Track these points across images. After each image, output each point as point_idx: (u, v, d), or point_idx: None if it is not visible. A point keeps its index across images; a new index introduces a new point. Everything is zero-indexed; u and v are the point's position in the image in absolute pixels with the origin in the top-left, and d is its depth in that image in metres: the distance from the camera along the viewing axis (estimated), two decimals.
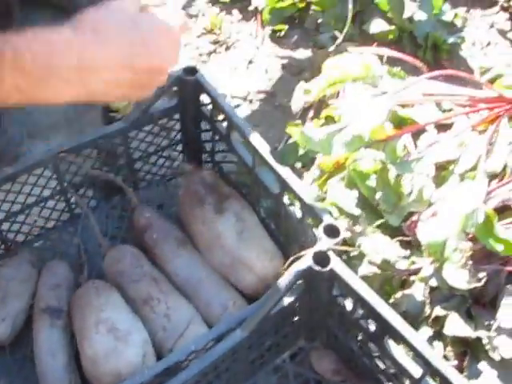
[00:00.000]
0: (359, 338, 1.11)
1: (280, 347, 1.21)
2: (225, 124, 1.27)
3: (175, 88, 1.29)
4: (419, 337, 0.97)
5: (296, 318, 1.15)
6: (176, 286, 1.22)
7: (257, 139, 1.18)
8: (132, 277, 1.21)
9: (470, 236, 1.14)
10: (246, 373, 1.19)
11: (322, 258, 0.99)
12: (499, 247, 1.10)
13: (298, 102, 1.46)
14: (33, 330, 1.20)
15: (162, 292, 1.20)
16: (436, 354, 0.95)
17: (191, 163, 1.39)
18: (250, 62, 1.69)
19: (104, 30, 0.90)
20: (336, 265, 0.99)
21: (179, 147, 1.43)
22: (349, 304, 1.06)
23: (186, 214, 1.31)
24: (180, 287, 1.22)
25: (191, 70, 1.27)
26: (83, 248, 1.33)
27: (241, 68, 1.68)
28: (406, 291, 1.12)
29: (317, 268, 0.98)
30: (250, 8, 1.79)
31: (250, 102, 1.61)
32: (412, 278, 1.13)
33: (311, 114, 1.46)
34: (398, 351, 1.02)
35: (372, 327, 1.04)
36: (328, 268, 0.99)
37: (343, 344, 1.16)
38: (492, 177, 1.24)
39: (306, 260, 0.99)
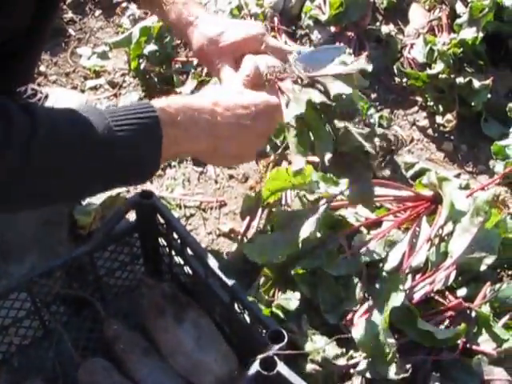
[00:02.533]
0: None
1: None
2: (179, 241, 1.41)
3: (133, 211, 1.45)
4: None
5: None
6: None
7: (207, 255, 1.33)
8: None
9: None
10: None
11: (269, 363, 1.13)
12: (422, 339, 1.26)
13: (245, 212, 1.63)
14: None
15: None
16: None
17: (152, 275, 1.53)
18: (201, 173, 1.85)
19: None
20: (281, 368, 1.14)
21: (141, 260, 1.57)
22: None
23: (149, 324, 1.44)
24: None
25: (147, 195, 1.42)
26: (58, 361, 1.45)
27: (193, 179, 1.84)
28: None
29: (264, 373, 1.12)
30: None
31: (203, 210, 1.76)
32: (351, 370, 1.28)
33: (257, 221, 1.63)
34: None
35: None
36: (275, 371, 1.13)
37: None
38: (416, 271, 1.40)
39: (254, 366, 1.13)
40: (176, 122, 1.21)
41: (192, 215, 1.76)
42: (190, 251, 1.40)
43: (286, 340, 1.18)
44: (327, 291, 1.38)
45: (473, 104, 1.89)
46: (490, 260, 1.40)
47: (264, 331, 1.24)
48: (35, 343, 1.50)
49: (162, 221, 1.45)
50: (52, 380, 1.42)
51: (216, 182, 1.83)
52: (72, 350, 1.42)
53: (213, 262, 1.33)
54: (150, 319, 1.44)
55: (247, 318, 1.32)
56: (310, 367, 1.25)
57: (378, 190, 1.56)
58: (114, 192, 1.73)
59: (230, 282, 1.30)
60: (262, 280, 1.44)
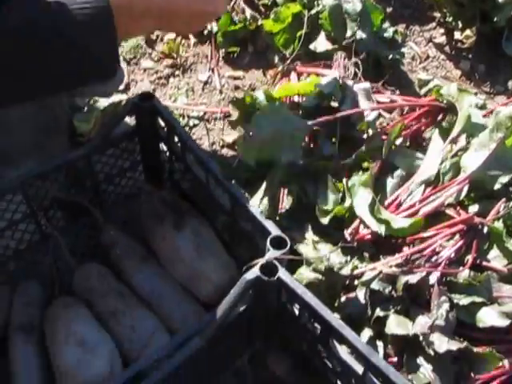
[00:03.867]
0: (308, 339, 1.21)
1: (238, 351, 1.30)
2: (179, 145, 1.36)
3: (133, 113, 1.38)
4: (358, 336, 1.07)
5: (250, 324, 1.24)
6: (141, 300, 1.31)
7: (208, 159, 1.27)
8: (99, 292, 1.30)
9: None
10: (208, 377, 1.28)
11: (269, 269, 1.08)
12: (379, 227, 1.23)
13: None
14: (8, 348, 1.29)
15: (128, 305, 1.28)
16: (373, 351, 1.05)
17: (152, 182, 1.48)
18: (206, 83, 1.79)
19: None
20: (282, 274, 1.09)
21: (140, 167, 1.51)
22: (296, 310, 1.16)
23: (148, 231, 1.40)
24: (145, 300, 1.31)
25: (147, 97, 1.35)
26: (55, 266, 1.42)
27: (197, 89, 1.77)
28: (350, 295, 1.22)
29: (264, 278, 1.08)
30: (205, 32, 1.88)
31: (207, 121, 1.70)
32: (355, 282, 1.23)
33: None
34: (342, 351, 1.12)
35: (318, 330, 1.14)
36: (275, 277, 1.08)
37: (296, 346, 1.26)
38: (427, 184, 1.34)
39: (254, 270, 1.08)
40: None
41: (195, 125, 1.70)
42: (191, 156, 1.34)
43: (288, 246, 1.13)
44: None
45: (495, 20, 1.80)
46: (505, 179, 1.34)
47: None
48: (31, 248, 1.46)
49: (162, 124, 1.39)
50: (48, 285, 1.38)
51: (221, 92, 1.77)
52: (68, 255, 1.38)
53: (214, 167, 1.27)
54: (148, 226, 1.40)
55: (249, 226, 1.27)
56: (312, 276, 1.21)
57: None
58: (115, 99, 1.67)
59: (232, 188, 1.24)
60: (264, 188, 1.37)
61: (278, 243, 1.12)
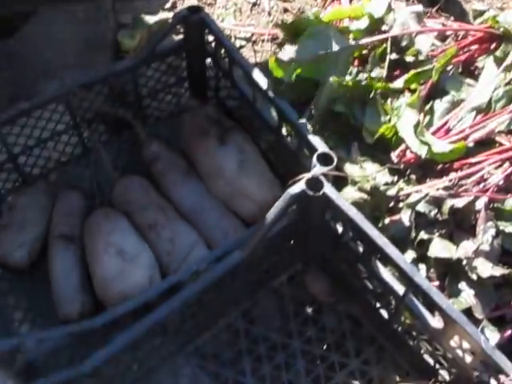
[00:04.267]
0: (349, 259, 1.20)
1: (277, 270, 1.30)
2: (226, 61, 1.33)
3: (180, 27, 1.36)
4: (403, 256, 1.05)
5: (291, 242, 1.23)
6: (181, 214, 1.31)
7: (257, 74, 1.25)
8: (139, 205, 1.30)
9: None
10: (246, 294, 1.28)
11: (315, 184, 1.06)
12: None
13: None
14: (48, 255, 1.30)
15: (168, 218, 1.28)
16: (417, 270, 1.04)
17: (197, 99, 1.46)
18: (254, 4, 1.75)
19: None
20: (328, 190, 1.07)
21: (186, 85, 1.49)
22: (339, 227, 1.15)
23: (191, 146, 1.38)
24: (185, 215, 1.31)
25: (196, 9, 1.32)
26: (95, 179, 1.41)
27: (245, 10, 1.74)
28: (394, 217, 1.20)
29: (310, 192, 1.06)
30: None
31: (254, 43, 1.66)
32: (400, 204, 1.21)
33: None
34: (383, 271, 1.11)
35: (360, 249, 1.13)
36: (321, 193, 1.06)
37: (335, 266, 1.25)
38: (478, 111, 1.31)
39: (299, 185, 1.06)
40: None
41: (242, 47, 1.67)
42: (238, 72, 1.32)
43: (334, 163, 1.10)
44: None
45: None
46: None
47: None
48: (73, 160, 1.46)
49: (210, 39, 1.36)
50: (88, 197, 1.38)
51: (269, 14, 1.73)
52: (111, 167, 1.37)
53: (263, 83, 1.24)
54: (191, 141, 1.38)
55: (295, 143, 1.25)
56: (357, 196, 1.19)
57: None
58: (161, 17, 1.64)
59: (281, 104, 1.22)
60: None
61: (324, 160, 1.10)
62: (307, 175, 1.07)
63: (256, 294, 1.30)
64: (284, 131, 1.27)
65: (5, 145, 1.32)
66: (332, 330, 1.28)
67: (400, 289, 1.08)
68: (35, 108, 1.31)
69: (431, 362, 1.15)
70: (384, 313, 1.19)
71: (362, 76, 1.36)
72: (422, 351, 1.16)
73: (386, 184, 1.19)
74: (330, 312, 1.29)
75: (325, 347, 1.26)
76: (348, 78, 1.34)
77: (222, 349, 1.26)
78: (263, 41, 1.66)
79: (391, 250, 1.04)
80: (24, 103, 1.30)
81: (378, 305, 1.20)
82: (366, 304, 1.23)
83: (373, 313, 1.22)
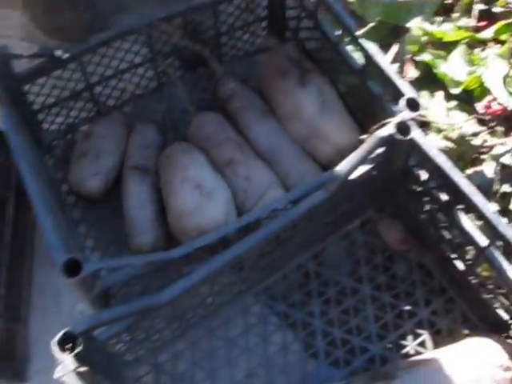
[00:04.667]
0: (427, 208, 1.18)
1: (350, 215, 1.29)
2: (312, 0, 1.30)
3: None
4: (489, 206, 1.03)
5: (370, 187, 1.21)
6: (257, 153, 1.29)
7: (345, 14, 1.22)
8: (216, 141, 1.29)
9: None
10: (318, 237, 1.28)
11: (403, 128, 1.05)
12: None
13: None
14: (122, 185, 1.30)
15: (245, 156, 1.26)
16: (502, 221, 1.02)
17: (274, 38, 1.44)
18: None
19: None
20: (417, 135, 1.05)
21: (264, 24, 1.47)
22: (424, 174, 1.13)
23: (268, 86, 1.36)
24: (261, 154, 1.29)
25: None
26: (169, 114, 1.41)
27: None
28: (478, 168, 1.18)
29: (399, 136, 1.04)
30: None
31: None
32: (484, 156, 1.18)
33: None
34: (466, 221, 1.09)
35: (444, 197, 1.11)
36: (408, 137, 1.05)
37: (411, 215, 1.23)
38: None
39: (388, 128, 1.05)
40: None
41: None
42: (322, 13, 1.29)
43: (420, 109, 1.08)
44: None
45: None
46: None
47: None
48: (147, 94, 1.45)
49: None
50: (162, 131, 1.38)
51: None
52: (187, 101, 1.36)
53: (351, 23, 1.21)
54: (269, 81, 1.36)
55: (378, 88, 1.22)
56: (442, 144, 1.16)
57: None
58: None
59: (368, 45, 1.19)
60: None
61: (410, 105, 1.08)
62: (395, 119, 1.05)
63: (328, 237, 1.29)
64: (368, 75, 1.24)
65: (84, 73, 1.31)
66: (402, 278, 1.26)
67: (482, 240, 1.07)
68: (116, 38, 1.30)
69: (505, 316, 1.13)
70: (459, 264, 1.17)
71: (447, 25, 1.33)
72: (496, 305, 1.14)
73: (473, 134, 1.17)
74: (401, 260, 1.28)
75: (394, 295, 1.25)
76: (433, 26, 1.31)
77: (292, 290, 1.26)
78: None
79: (478, 199, 1.03)
80: (105, 32, 1.29)
81: (453, 256, 1.18)
82: (440, 254, 1.21)
83: (446, 263, 1.21)
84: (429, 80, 1.30)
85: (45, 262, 1.38)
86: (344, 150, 1.26)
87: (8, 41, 1.59)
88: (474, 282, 1.16)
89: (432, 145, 1.06)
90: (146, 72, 1.42)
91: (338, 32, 1.26)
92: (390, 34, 1.34)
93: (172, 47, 1.40)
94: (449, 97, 1.26)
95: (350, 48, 1.27)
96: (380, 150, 1.09)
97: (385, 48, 1.31)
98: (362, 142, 1.16)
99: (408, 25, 1.31)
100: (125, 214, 1.26)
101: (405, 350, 1.20)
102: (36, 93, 1.31)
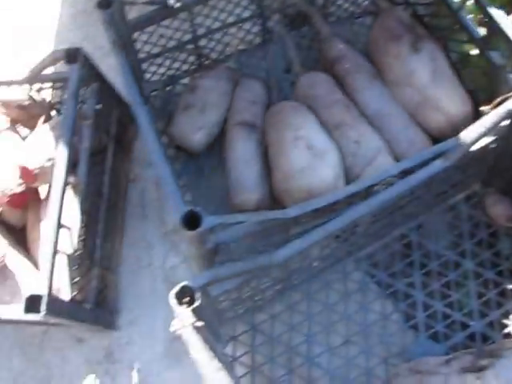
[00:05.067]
0: None
1: (457, 187, 1.25)
2: None
3: None
4: None
5: (484, 160, 1.18)
6: (365, 117, 1.26)
7: None
8: (325, 102, 1.25)
9: None
10: (423, 208, 1.24)
11: None
12: None
13: None
14: (227, 140, 1.27)
15: (354, 119, 1.23)
16: None
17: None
18: None
19: None
20: None
21: None
22: None
23: (378, 50, 1.32)
24: (369, 118, 1.25)
25: None
26: (274, 71, 1.38)
27: None
28: None
29: None
30: None
31: None
32: None
33: None
34: None
35: None
36: None
37: None
38: None
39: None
40: None
41: None
42: None
43: None
44: None
45: None
46: None
47: None
48: (251, 50, 1.43)
49: None
50: (266, 88, 1.35)
51: None
52: (295, 60, 1.33)
53: None
54: (379, 45, 1.31)
55: (499, 58, 1.18)
56: None
57: None
58: None
59: (495, 12, 1.14)
60: None
61: None
62: None
63: (432, 208, 1.26)
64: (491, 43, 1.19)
65: (192, 24, 1.29)
66: (507, 256, 1.23)
67: None
68: None
69: None
70: None
71: None
72: None
73: None
74: (506, 238, 1.25)
75: (498, 272, 1.22)
76: None
77: (393, 259, 1.24)
78: None
79: None
80: None
81: None
82: None
83: None
84: None
85: (136, 214, 1.37)
86: (456, 120, 1.22)
87: None
88: None
89: None
90: (252, 27, 1.39)
91: None
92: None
93: (280, 3, 1.36)
94: None
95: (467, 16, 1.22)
96: (504, 123, 1.05)
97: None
98: (476, 113, 1.13)
99: None
100: (229, 170, 1.24)
101: (507, 330, 1.17)
102: (144, 41, 1.29)
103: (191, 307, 0.90)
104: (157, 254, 1.33)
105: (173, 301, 0.90)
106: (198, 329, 0.91)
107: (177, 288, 0.91)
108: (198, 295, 0.90)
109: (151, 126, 1.04)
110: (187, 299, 0.91)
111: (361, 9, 1.46)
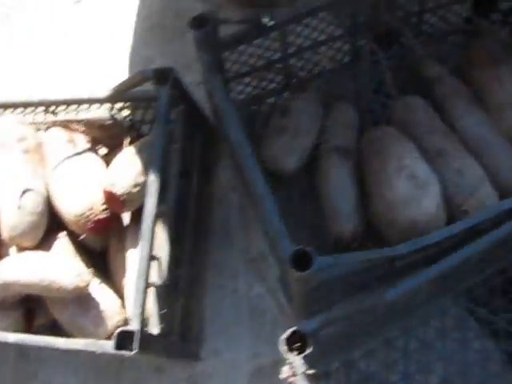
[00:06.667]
0: None
1: None
2: None
3: None
4: None
5: None
6: (465, 144, 1.20)
7: None
8: (426, 128, 1.20)
9: None
10: None
11: None
12: None
13: None
14: (320, 167, 1.22)
15: (455, 147, 1.17)
16: None
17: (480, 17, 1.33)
18: None
19: None
20: None
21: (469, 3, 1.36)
22: None
23: (476, 72, 1.26)
24: (468, 145, 1.19)
25: None
26: (365, 93, 1.33)
27: None
28: None
29: None
30: None
31: None
32: None
33: None
34: None
35: None
36: None
37: None
38: None
39: None
40: None
41: None
42: None
43: None
44: None
45: None
46: None
47: None
48: (339, 69, 1.37)
49: None
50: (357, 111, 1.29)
51: None
52: (389, 82, 1.27)
53: None
54: (479, 67, 1.25)
55: None
56: None
57: None
58: None
59: None
60: None
61: None
62: None
63: None
64: None
65: (284, 43, 1.24)
66: None
67: None
68: (323, 8, 1.21)
69: None
70: None
71: None
72: None
73: None
74: None
75: None
76: None
77: (494, 295, 1.17)
78: None
79: None
80: (308, 6, 1.20)
81: None
82: None
83: None
84: None
85: (221, 240, 1.33)
86: None
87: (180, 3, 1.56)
88: None
89: None
90: (342, 46, 1.34)
91: None
92: None
93: (373, 21, 1.31)
94: None
95: None
96: None
97: None
98: None
99: None
100: (324, 198, 1.19)
101: None
102: (233, 60, 1.24)
103: (303, 354, 0.85)
104: (241, 282, 1.29)
105: (283, 347, 0.85)
106: (310, 376, 0.86)
107: (287, 333, 0.86)
108: (310, 341, 0.85)
109: (251, 154, 0.99)
110: (298, 345, 0.86)
111: (452, 27, 1.39)
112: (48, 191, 1.22)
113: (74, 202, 1.17)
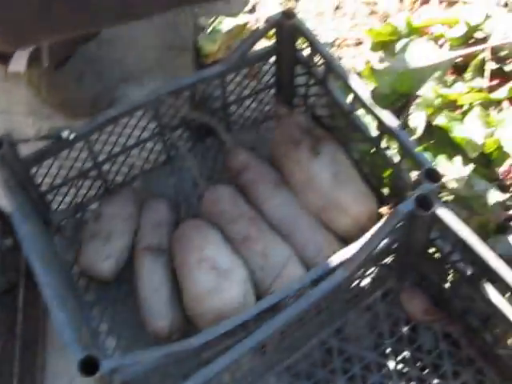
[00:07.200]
0: (451, 279, 1.15)
1: (372, 287, 1.24)
2: (321, 68, 1.28)
3: (273, 31, 1.31)
4: None
5: (391, 259, 1.18)
6: (272, 227, 1.26)
7: (357, 82, 1.20)
8: (230, 217, 1.25)
9: None
10: (339, 312, 1.23)
11: (424, 202, 1.01)
12: None
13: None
14: (134, 267, 1.26)
15: (260, 231, 1.23)
16: None
17: (284, 107, 1.41)
18: (337, 7, 1.70)
19: None
20: (440, 209, 1.02)
21: (271, 91, 1.44)
22: (446, 247, 1.09)
23: (280, 156, 1.33)
24: (275, 228, 1.26)
25: (289, 14, 1.27)
26: (180, 189, 1.38)
27: (328, 13, 1.68)
28: (502, 236, 1.14)
29: (420, 212, 1.01)
30: None
31: (338, 47, 1.61)
32: (508, 223, 1.15)
33: None
34: (493, 294, 1.05)
35: (468, 270, 1.07)
36: (430, 211, 1.01)
37: (434, 285, 1.19)
38: None
39: (409, 203, 1.01)
40: None
41: None
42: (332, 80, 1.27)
43: (441, 180, 1.06)
44: None
45: None
46: None
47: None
48: (156, 168, 1.42)
49: (302, 46, 1.32)
50: (173, 207, 1.34)
51: (353, 17, 1.67)
52: (198, 175, 1.33)
53: (363, 91, 1.19)
54: (280, 151, 1.33)
55: (395, 157, 1.19)
56: (463, 213, 1.13)
57: None
58: (241, 21, 1.60)
59: (382, 113, 1.17)
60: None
61: (429, 176, 1.05)
62: (416, 192, 1.02)
63: (349, 311, 1.25)
64: (383, 143, 1.21)
65: (91, 152, 1.28)
66: (429, 350, 1.22)
67: (510, 312, 1.03)
68: (123, 115, 1.27)
69: None
70: (487, 336, 1.13)
71: (460, 86, 1.30)
72: None
73: (495, 202, 1.13)
74: (426, 331, 1.23)
75: (421, 368, 1.21)
76: (445, 89, 1.29)
77: (315, 368, 1.22)
78: (347, 45, 1.61)
79: (506, 273, 0.99)
80: (112, 109, 1.26)
81: (480, 327, 1.14)
82: (467, 325, 1.18)
83: (473, 334, 1.17)
84: (445, 143, 1.27)
85: (57, 346, 1.34)
86: (361, 220, 1.23)
87: (14, 117, 1.59)
88: (504, 353, 1.12)
89: (454, 218, 1.02)
90: (154, 146, 1.39)
91: (349, 99, 1.24)
92: (401, 97, 1.31)
93: (180, 119, 1.37)
94: (466, 160, 1.23)
95: (361, 114, 1.24)
96: (400, 224, 1.05)
97: (397, 112, 1.29)
98: (379, 212, 1.13)
99: (421, 91, 1.28)
100: (139, 298, 1.22)
101: None
102: (43, 174, 1.28)
103: None
104: None
105: None
106: None
107: None
108: None
109: (42, 267, 1.02)
110: None
111: (263, 115, 1.47)
112: None
113: None
